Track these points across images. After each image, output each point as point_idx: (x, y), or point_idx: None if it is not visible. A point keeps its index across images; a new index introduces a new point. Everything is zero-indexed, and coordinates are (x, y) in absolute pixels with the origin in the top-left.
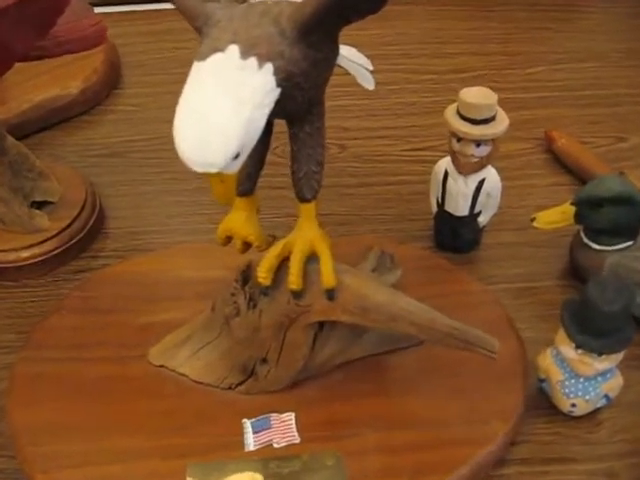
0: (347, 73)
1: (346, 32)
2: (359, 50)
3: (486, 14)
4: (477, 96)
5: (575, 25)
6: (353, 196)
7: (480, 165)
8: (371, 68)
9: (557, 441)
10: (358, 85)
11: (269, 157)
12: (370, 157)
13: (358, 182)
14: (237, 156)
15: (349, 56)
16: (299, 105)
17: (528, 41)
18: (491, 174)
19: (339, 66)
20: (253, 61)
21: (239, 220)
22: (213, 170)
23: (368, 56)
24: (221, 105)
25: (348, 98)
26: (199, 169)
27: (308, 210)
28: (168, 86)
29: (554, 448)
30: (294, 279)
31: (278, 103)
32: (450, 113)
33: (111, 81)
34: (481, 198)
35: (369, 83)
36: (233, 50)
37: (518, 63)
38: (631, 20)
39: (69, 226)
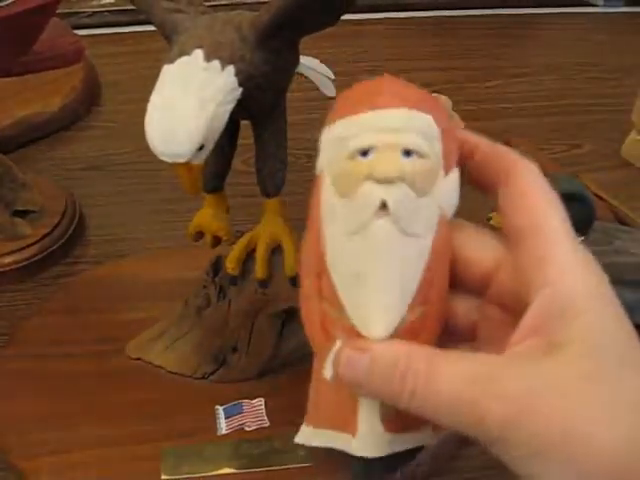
0: (316, 88)
1: (313, 49)
2: (327, 66)
3: (447, 32)
4: None
5: (532, 41)
6: None
7: None
8: (332, 77)
9: None
10: (327, 99)
11: (241, 167)
12: None
13: None
14: (201, 148)
15: (312, 66)
16: (260, 105)
17: (487, 57)
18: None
19: (299, 74)
20: (216, 63)
21: (209, 216)
22: (180, 160)
23: (335, 72)
24: (187, 102)
25: (317, 112)
26: (167, 159)
27: (272, 205)
28: (144, 103)
29: None
30: (260, 268)
31: (241, 103)
32: None
33: (90, 98)
34: None
35: (330, 90)
36: (198, 54)
37: (477, 77)
38: (585, 36)
39: (50, 233)
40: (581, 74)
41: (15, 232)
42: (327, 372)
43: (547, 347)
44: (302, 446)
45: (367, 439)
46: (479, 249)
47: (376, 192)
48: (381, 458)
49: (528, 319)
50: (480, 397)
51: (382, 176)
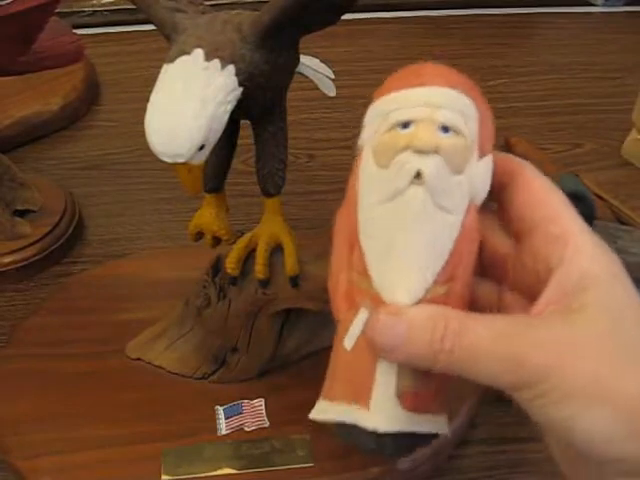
0: (316, 88)
1: (314, 49)
2: (327, 65)
3: (448, 32)
4: None
5: (534, 41)
6: (323, 202)
7: None
8: (332, 76)
9: (514, 422)
10: (327, 99)
11: (241, 167)
12: (338, 165)
13: (327, 189)
14: (202, 147)
15: (312, 65)
16: (261, 105)
17: (489, 56)
18: None
19: (300, 74)
20: (216, 63)
21: (209, 216)
22: (180, 160)
23: (336, 72)
24: (187, 101)
25: (318, 112)
26: (168, 159)
27: (272, 204)
28: (143, 103)
29: (511, 429)
30: (260, 268)
31: (241, 102)
32: None
33: (90, 98)
34: None
35: (330, 90)
36: (198, 53)
37: (479, 76)
38: (585, 35)
39: (50, 233)
40: (581, 73)
41: (15, 232)
42: (347, 342)
43: (565, 313)
44: (302, 446)
45: (381, 412)
46: (504, 234)
47: (413, 161)
48: (393, 436)
49: (547, 293)
50: (518, 345)
51: (419, 146)
